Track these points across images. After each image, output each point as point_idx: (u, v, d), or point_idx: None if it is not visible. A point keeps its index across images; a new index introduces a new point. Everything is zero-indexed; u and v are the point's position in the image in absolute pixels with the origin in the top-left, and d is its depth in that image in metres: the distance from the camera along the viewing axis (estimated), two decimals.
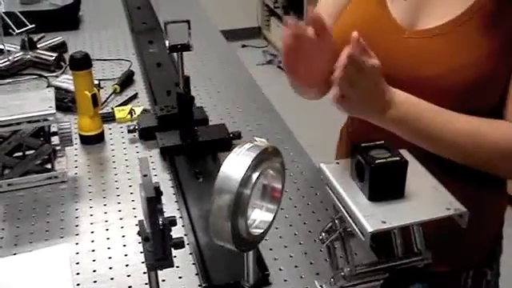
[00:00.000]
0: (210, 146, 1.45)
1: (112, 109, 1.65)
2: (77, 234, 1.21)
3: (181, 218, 1.23)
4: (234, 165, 0.73)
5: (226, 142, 1.47)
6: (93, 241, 1.19)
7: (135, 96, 1.77)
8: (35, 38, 2.02)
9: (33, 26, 1.94)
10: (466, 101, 1.06)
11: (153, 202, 0.78)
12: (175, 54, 1.41)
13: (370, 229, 0.75)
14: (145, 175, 0.80)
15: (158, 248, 0.82)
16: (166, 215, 0.85)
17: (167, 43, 1.36)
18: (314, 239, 1.17)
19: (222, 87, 1.85)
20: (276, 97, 1.93)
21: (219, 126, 1.52)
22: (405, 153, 0.85)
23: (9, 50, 1.95)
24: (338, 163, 0.89)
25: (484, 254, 1.31)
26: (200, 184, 1.33)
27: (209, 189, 1.29)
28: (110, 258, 1.14)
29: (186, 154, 1.43)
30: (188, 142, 1.45)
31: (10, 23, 1.90)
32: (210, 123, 1.57)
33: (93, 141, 1.52)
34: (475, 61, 1.04)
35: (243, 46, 5.23)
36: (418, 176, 0.85)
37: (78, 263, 1.13)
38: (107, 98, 1.74)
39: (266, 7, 5.37)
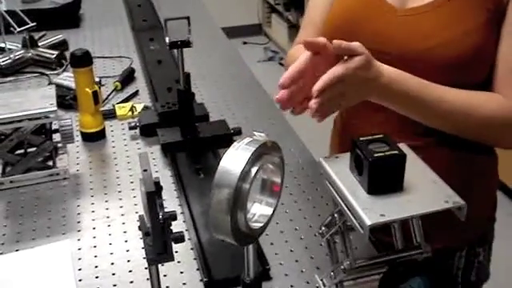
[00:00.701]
0: (210, 142, 1.46)
1: (113, 106, 1.66)
2: (79, 230, 1.22)
3: (182, 213, 1.24)
4: (233, 159, 0.73)
5: (227, 138, 1.47)
6: (94, 237, 1.20)
7: (136, 93, 1.77)
8: (36, 36, 2.03)
9: (34, 24, 1.94)
10: (457, 75, 1.10)
11: (153, 196, 0.79)
12: (176, 51, 1.42)
13: (368, 222, 0.76)
14: (145, 170, 0.81)
15: (159, 242, 0.82)
16: (166, 210, 0.86)
17: (167, 40, 1.36)
18: (315, 234, 1.17)
19: (222, 84, 1.85)
20: (276, 93, 1.93)
21: (220, 122, 1.53)
22: (403, 146, 0.86)
23: (10, 49, 1.96)
24: (337, 157, 0.90)
25: (477, 233, 1.33)
26: (201, 180, 1.33)
27: (210, 185, 1.29)
28: (111, 253, 1.15)
29: (187, 150, 1.44)
30: (189, 138, 1.46)
31: (12, 22, 1.91)
32: (211, 119, 1.57)
33: (94, 138, 1.52)
34: (464, 34, 1.07)
35: (244, 42, 5.23)
36: (416, 169, 0.86)
37: (80, 259, 1.14)
38: (108, 95, 1.75)
39: (266, 4, 5.37)
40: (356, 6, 1.21)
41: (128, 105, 1.64)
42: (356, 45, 0.96)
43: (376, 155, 0.80)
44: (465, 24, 1.08)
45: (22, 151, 1.38)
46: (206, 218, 1.19)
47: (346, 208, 0.81)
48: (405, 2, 1.16)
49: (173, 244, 0.86)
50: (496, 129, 1.11)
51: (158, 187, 0.81)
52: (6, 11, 1.94)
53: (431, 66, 1.10)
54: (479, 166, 1.27)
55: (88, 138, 1.52)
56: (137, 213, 1.25)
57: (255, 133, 0.78)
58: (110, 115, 1.61)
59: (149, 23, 2.29)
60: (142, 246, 1.12)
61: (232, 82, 1.88)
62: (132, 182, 1.36)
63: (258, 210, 0.81)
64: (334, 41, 0.94)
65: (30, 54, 1.96)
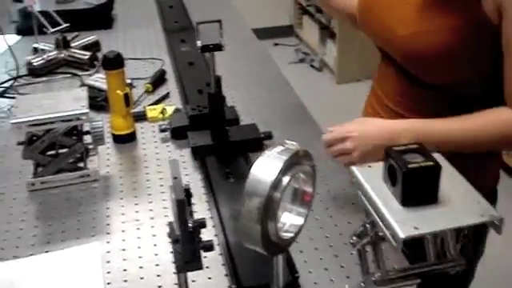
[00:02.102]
0: (240, 146, 1.45)
1: (144, 108, 1.66)
2: (108, 233, 1.22)
3: (211, 218, 1.23)
4: (265, 168, 0.72)
5: (257, 142, 1.47)
6: (124, 240, 1.20)
7: (167, 95, 1.77)
8: (69, 36, 2.04)
9: (67, 25, 1.96)
10: (433, 68, 1.20)
11: (182, 204, 0.78)
12: (207, 54, 1.41)
13: (402, 235, 0.74)
14: (175, 177, 0.80)
15: (188, 250, 0.82)
16: (196, 216, 0.85)
17: (199, 43, 1.35)
18: (345, 242, 1.15)
19: (253, 86, 1.84)
20: (307, 95, 1.92)
21: (250, 126, 1.52)
22: (438, 157, 0.84)
23: (43, 49, 1.98)
24: (369, 166, 0.88)
25: None
26: (231, 184, 1.32)
27: (239, 189, 1.29)
28: (140, 257, 1.15)
29: (217, 153, 1.43)
30: (219, 141, 1.45)
31: (45, 22, 1.92)
32: (241, 123, 1.57)
33: (125, 140, 1.53)
34: (437, 30, 1.16)
35: (275, 44, 5.21)
36: (451, 181, 0.84)
37: (108, 262, 1.14)
38: (139, 97, 1.75)
39: (298, 5, 5.34)
40: None
41: (159, 107, 1.64)
42: (339, 131, 1.19)
43: (410, 166, 0.78)
44: (439, 20, 1.16)
45: (53, 152, 1.38)
46: (235, 223, 1.18)
47: (378, 219, 0.80)
48: None
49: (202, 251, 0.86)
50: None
51: (188, 194, 0.81)
52: (40, 12, 1.95)
53: (409, 54, 1.21)
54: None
55: (119, 139, 1.52)
56: (166, 216, 1.25)
57: (287, 141, 0.77)
58: (141, 117, 1.61)
59: (180, 24, 2.29)
60: (171, 250, 1.12)
61: (263, 84, 1.87)
62: (162, 186, 1.35)
63: (289, 219, 0.80)
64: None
65: (62, 55, 1.98)
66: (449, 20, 1.15)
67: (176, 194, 0.78)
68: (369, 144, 1.16)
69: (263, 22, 4.84)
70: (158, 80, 1.84)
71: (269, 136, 1.48)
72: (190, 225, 0.80)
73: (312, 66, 4.83)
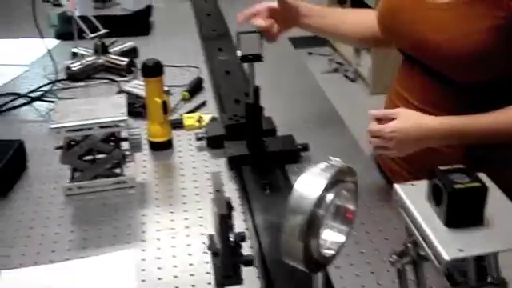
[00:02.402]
0: (277, 158, 1.44)
1: (181, 116, 1.66)
2: (143, 241, 1.22)
3: (246, 229, 1.23)
4: (309, 184, 0.71)
5: (294, 153, 1.46)
6: (159, 248, 1.20)
7: (204, 103, 1.77)
8: (107, 42, 2.05)
9: (106, 30, 1.97)
10: (469, 69, 1.23)
11: (225, 218, 0.78)
12: (245, 63, 1.40)
13: (447, 257, 0.72)
14: (217, 191, 0.80)
15: (228, 265, 0.81)
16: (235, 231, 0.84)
17: (239, 53, 1.35)
18: (382, 259, 1.14)
19: (289, 96, 1.84)
20: (341, 106, 1.90)
21: (287, 138, 1.51)
22: (485, 178, 0.82)
23: (82, 54, 1.99)
24: (413, 185, 0.86)
25: None
26: (267, 196, 1.31)
27: (276, 201, 1.29)
28: (175, 266, 1.15)
29: (254, 164, 1.42)
30: (255, 152, 1.44)
31: (84, 27, 1.94)
32: (277, 133, 1.56)
33: (162, 147, 1.53)
34: (473, 33, 1.20)
35: (309, 53, 5.19)
36: (497, 203, 0.82)
37: (143, 270, 1.14)
38: (176, 105, 1.75)
39: None
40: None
41: (195, 115, 1.64)
42: (386, 129, 1.24)
43: (456, 186, 0.77)
44: (474, 24, 1.20)
45: (90, 158, 1.39)
46: (271, 235, 1.17)
47: (421, 240, 0.78)
48: None
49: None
50: None
51: (230, 208, 0.80)
52: (79, 17, 1.97)
53: (445, 57, 1.24)
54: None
55: (156, 147, 1.53)
56: (201, 226, 1.25)
57: (331, 157, 0.77)
58: (178, 125, 1.62)
59: (218, 32, 2.29)
60: (206, 260, 1.12)
61: (299, 94, 1.86)
62: (197, 194, 1.35)
63: (330, 236, 0.79)
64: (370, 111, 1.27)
65: (101, 61, 1.99)
66: (483, 21, 1.19)
67: (218, 208, 0.77)
68: (407, 143, 1.25)
69: (298, 30, 4.82)
70: (195, 88, 1.84)
71: (305, 148, 1.47)
72: (231, 239, 0.80)
73: (346, 76, 4.80)
